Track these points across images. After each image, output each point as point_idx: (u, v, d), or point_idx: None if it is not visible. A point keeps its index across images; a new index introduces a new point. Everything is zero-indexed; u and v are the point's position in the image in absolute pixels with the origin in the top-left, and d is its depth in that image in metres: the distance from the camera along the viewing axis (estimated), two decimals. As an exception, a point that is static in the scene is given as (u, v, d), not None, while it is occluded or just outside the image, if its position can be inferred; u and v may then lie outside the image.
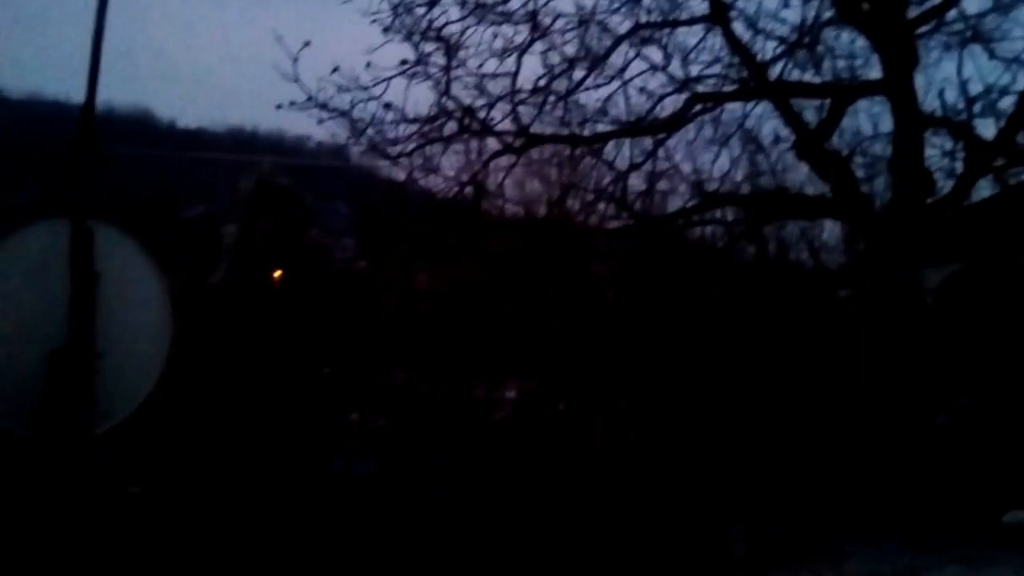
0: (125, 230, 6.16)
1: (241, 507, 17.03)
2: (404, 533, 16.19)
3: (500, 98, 12.33)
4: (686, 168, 14.76)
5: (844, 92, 14.38)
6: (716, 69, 13.93)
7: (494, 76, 12.31)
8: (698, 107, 13.74)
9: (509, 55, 12.35)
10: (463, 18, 12.10)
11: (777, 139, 14.64)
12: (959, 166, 15.24)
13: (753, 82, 13.74)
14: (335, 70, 11.42)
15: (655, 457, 15.15)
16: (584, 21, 12.84)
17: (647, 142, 13.79)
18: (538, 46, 12.55)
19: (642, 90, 13.25)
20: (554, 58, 12.64)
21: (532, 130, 12.80)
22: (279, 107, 11.92)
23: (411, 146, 12.40)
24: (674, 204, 15.21)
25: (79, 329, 5.80)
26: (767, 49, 13.73)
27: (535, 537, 15.09)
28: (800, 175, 15.60)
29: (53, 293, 5.85)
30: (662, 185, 14.79)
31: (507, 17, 12.27)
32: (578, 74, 12.86)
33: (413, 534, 16.10)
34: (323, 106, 11.78)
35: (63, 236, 5.85)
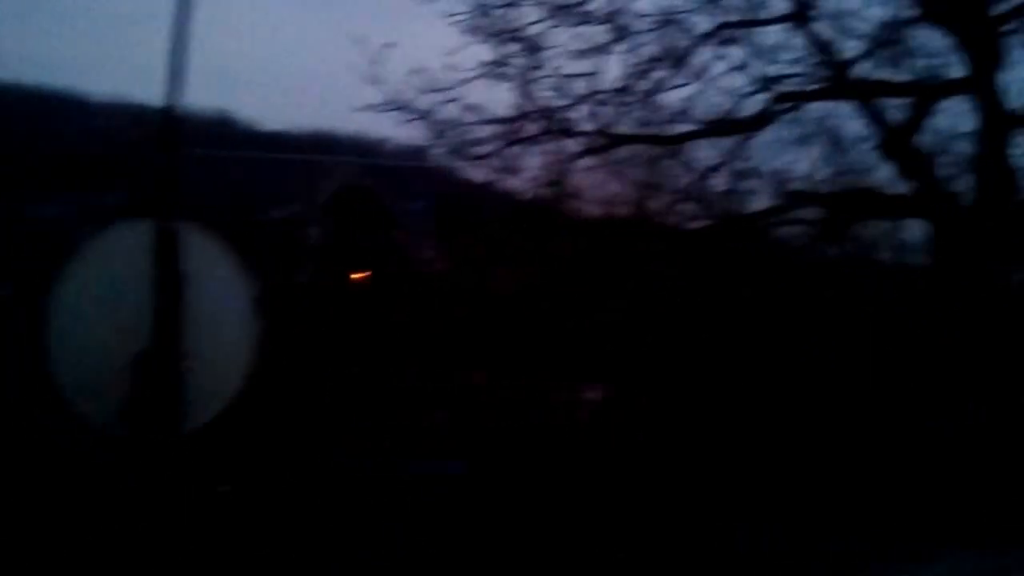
0: (210, 231, 6.21)
1: (326, 506, 17.17)
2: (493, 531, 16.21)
3: (581, 99, 12.25)
4: (768, 168, 14.61)
5: (927, 91, 14.15)
6: (798, 68, 13.75)
7: (574, 77, 12.22)
8: (780, 106, 13.57)
9: (589, 56, 12.26)
10: (543, 19, 12.05)
11: (860, 138, 14.43)
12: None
13: (835, 81, 13.57)
14: (417, 72, 11.41)
15: (749, 457, 15.05)
16: (665, 21, 12.74)
17: (728, 142, 13.65)
18: (619, 46, 12.44)
19: (724, 89, 13.10)
20: (635, 58, 12.53)
21: (613, 131, 12.70)
22: (361, 110, 11.96)
23: (492, 147, 12.35)
24: (756, 204, 15.06)
25: (166, 329, 5.86)
26: (850, 48, 13.54)
27: (624, 534, 15.05)
28: (883, 174, 15.38)
29: (140, 294, 5.91)
30: (744, 185, 14.64)
31: (587, 18, 12.21)
32: (659, 74, 12.73)
33: (502, 532, 16.11)
34: (404, 108, 11.78)
35: (149, 237, 5.91)
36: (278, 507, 17.30)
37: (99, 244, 6.07)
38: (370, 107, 12.01)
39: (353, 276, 24.50)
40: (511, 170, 13.33)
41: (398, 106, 11.96)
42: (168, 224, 5.87)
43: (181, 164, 5.94)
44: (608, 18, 12.29)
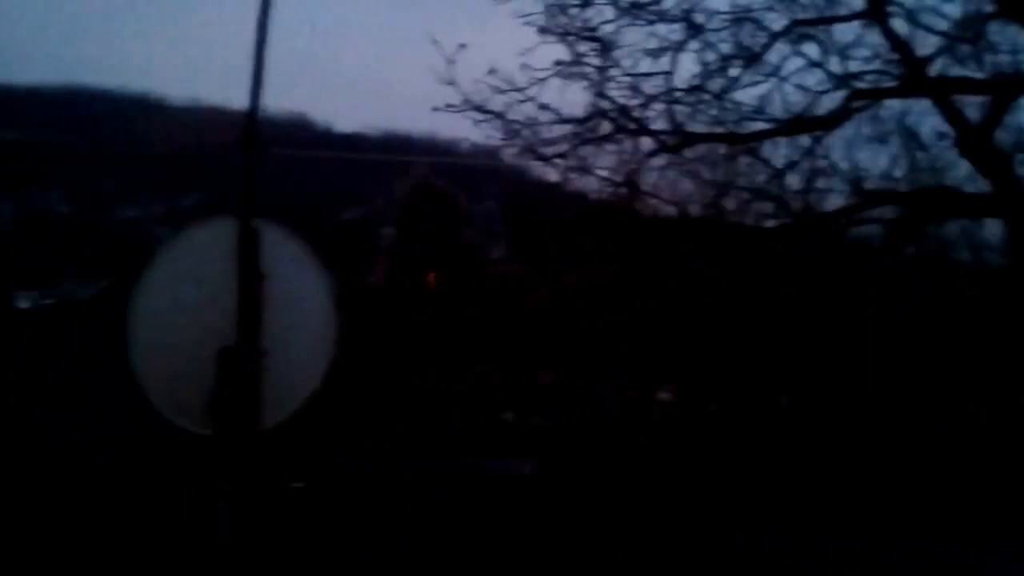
0: (290, 231, 6.31)
1: (399, 503, 17.30)
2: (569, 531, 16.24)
3: (654, 98, 12.21)
4: (843, 166, 14.48)
5: (1008, 88, 13.92)
6: (875, 65, 13.59)
7: (648, 75, 12.19)
8: (856, 104, 13.43)
9: (664, 54, 12.22)
10: (617, 18, 12.04)
11: (939, 136, 14.25)
12: None
13: (912, 78, 13.40)
14: (492, 72, 11.45)
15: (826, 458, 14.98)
16: (739, 18, 12.65)
17: (803, 140, 13.53)
18: (693, 44, 12.40)
19: (799, 87, 12.99)
20: (709, 56, 12.47)
21: (686, 129, 12.66)
22: (436, 110, 12.03)
23: (565, 147, 12.35)
24: (831, 203, 14.93)
25: (247, 327, 5.96)
26: (928, 44, 13.37)
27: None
28: (961, 172, 15.17)
29: (221, 292, 6.02)
30: (819, 184, 14.52)
31: (661, 16, 12.17)
32: (733, 72, 12.66)
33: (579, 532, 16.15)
34: (479, 108, 11.82)
35: (230, 236, 6.03)
36: (350, 504, 17.47)
37: (182, 243, 6.20)
38: (444, 107, 12.06)
39: (425, 275, 24.66)
40: (584, 170, 13.32)
41: (472, 106, 11.99)
42: (250, 223, 5.98)
43: (261, 164, 6.04)
44: (682, 16, 12.25)
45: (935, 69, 13.24)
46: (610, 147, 12.92)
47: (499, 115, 12.05)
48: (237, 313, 5.96)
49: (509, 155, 13.96)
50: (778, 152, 13.63)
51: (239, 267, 5.95)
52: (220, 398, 5.94)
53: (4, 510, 14.99)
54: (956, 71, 13.38)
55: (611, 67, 12.28)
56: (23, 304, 42.86)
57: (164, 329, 6.09)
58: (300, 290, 6.33)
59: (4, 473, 16.46)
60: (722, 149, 13.83)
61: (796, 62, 12.87)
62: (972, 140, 13.68)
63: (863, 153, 14.60)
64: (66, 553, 14.22)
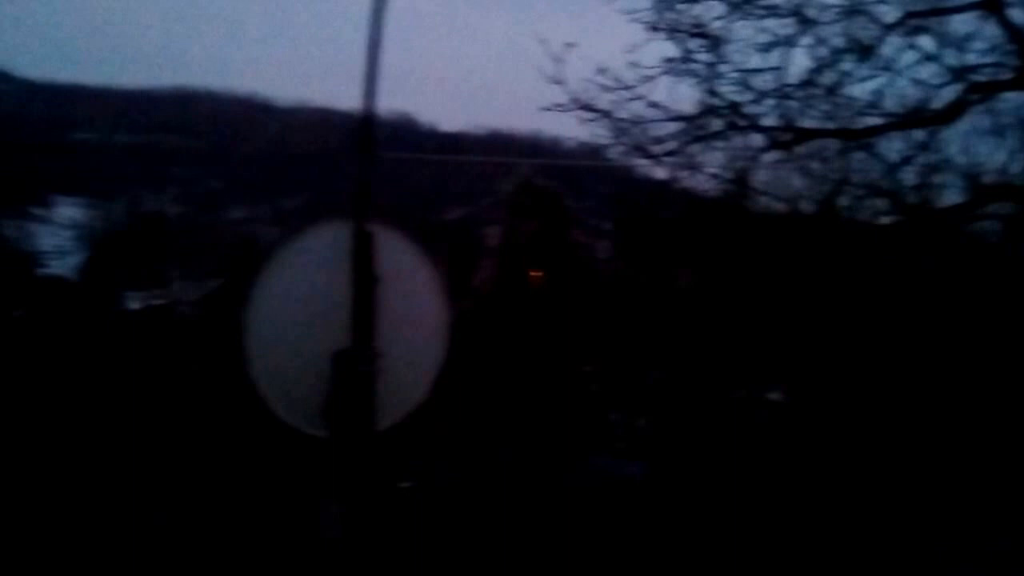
0: (403, 233, 6.31)
1: (510, 504, 17.32)
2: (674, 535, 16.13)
3: (766, 93, 12.00)
4: (960, 161, 14.15)
5: None
6: (992, 57, 13.23)
7: (759, 71, 11.98)
8: (972, 97, 13.08)
9: (774, 49, 12.00)
10: (727, 13, 11.85)
11: (1058, 130, 13.86)
12: None
13: (1032, 70, 13.03)
14: (601, 71, 11.35)
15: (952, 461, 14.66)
16: (851, 11, 12.38)
17: (918, 135, 13.21)
18: (804, 39, 12.16)
19: (914, 81, 12.68)
20: (821, 51, 12.23)
21: (798, 125, 12.43)
22: (544, 110, 11.96)
23: (675, 144, 12.20)
24: (948, 199, 14.60)
25: (362, 330, 5.97)
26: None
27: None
28: (1083, 167, 14.77)
29: (336, 294, 6.05)
30: (935, 179, 14.22)
31: (772, 10, 11.95)
32: (846, 66, 12.39)
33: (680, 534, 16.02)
34: (586, 107, 11.73)
35: (345, 239, 6.04)
36: (460, 503, 17.53)
37: (298, 246, 6.23)
38: (551, 107, 11.99)
39: (532, 275, 24.66)
40: (693, 167, 13.16)
41: (579, 105, 11.90)
42: (364, 226, 5.99)
43: (376, 166, 6.05)
44: (793, 10, 12.02)
45: (1055, 60, 12.86)
46: (720, 144, 12.73)
47: (607, 114, 11.93)
48: (352, 316, 5.97)
49: (616, 154, 13.85)
50: (892, 147, 13.34)
51: (354, 270, 5.97)
52: (335, 400, 5.96)
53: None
54: (1077, 62, 12.97)
55: (721, 63, 12.08)
56: (133, 305, 43.78)
57: (280, 331, 6.14)
58: (414, 292, 6.34)
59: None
60: (834, 145, 13.58)
61: (910, 55, 12.56)
62: (1094, 133, 13.30)
63: (980, 147, 14.28)
64: (180, 553, 14.48)
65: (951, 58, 12.53)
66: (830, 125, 12.74)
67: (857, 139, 12.96)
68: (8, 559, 13.94)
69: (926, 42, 12.49)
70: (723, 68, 12.08)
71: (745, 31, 12.06)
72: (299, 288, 6.17)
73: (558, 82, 11.75)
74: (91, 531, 14.82)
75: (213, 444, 18.59)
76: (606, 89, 11.73)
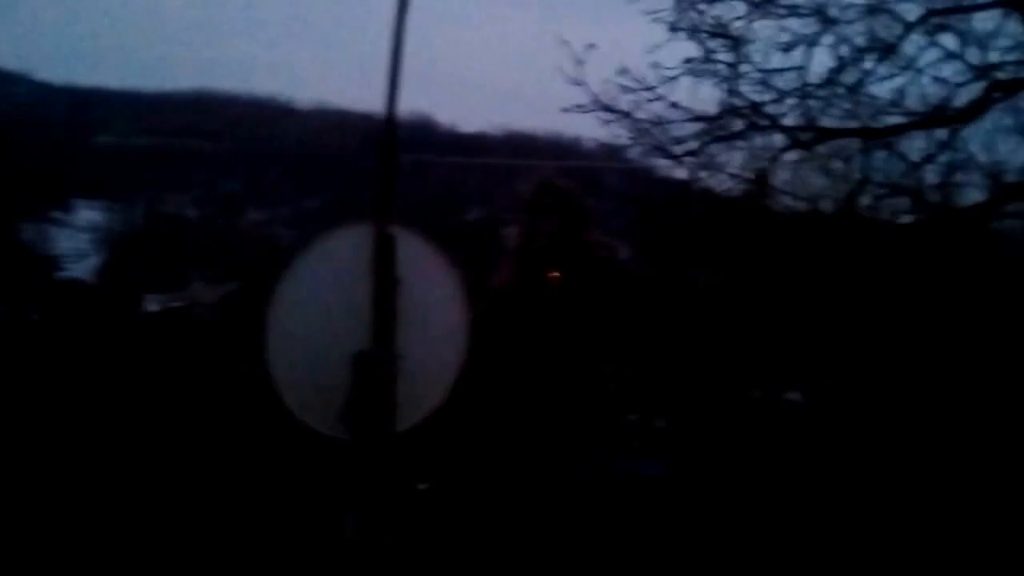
0: (424, 235, 6.31)
1: (524, 504, 17.28)
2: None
3: (787, 93, 11.96)
4: (983, 159, 14.06)
5: None
6: (1015, 55, 13.15)
7: (781, 71, 11.95)
8: (995, 95, 13.00)
9: (796, 48, 11.96)
10: (748, 13, 11.81)
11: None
12: None
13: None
14: (622, 72, 11.33)
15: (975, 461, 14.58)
16: (873, 10, 12.32)
17: (940, 133, 13.14)
18: (826, 38, 12.12)
19: (936, 79, 12.61)
20: (843, 49, 12.18)
21: (820, 125, 12.38)
22: (564, 111, 11.95)
23: (696, 145, 12.17)
24: (971, 197, 14.52)
25: (382, 332, 5.96)
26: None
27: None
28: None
29: (357, 296, 6.04)
30: (957, 178, 14.13)
31: (793, 10, 11.92)
32: (868, 65, 12.34)
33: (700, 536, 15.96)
34: (607, 108, 11.71)
35: (367, 241, 6.03)
36: (475, 505, 17.51)
37: (319, 248, 6.22)
38: (572, 108, 11.98)
39: (550, 276, 24.60)
40: (714, 167, 13.13)
41: (600, 106, 11.88)
42: (386, 229, 5.98)
43: (398, 169, 6.04)
44: (815, 9, 11.98)
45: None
46: (741, 144, 12.71)
47: (627, 114, 11.92)
48: (372, 318, 5.97)
49: (636, 154, 13.83)
50: (914, 146, 13.28)
51: (375, 272, 5.96)
52: (355, 402, 5.95)
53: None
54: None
55: (742, 63, 12.05)
56: (152, 307, 43.90)
57: (300, 333, 6.15)
58: (434, 294, 6.34)
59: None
60: (856, 144, 13.52)
61: (932, 53, 12.51)
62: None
63: (1002, 146, 14.19)
64: (195, 553, 14.49)
65: (973, 56, 12.47)
66: (851, 124, 12.70)
67: (879, 138, 12.91)
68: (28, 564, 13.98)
69: (948, 40, 12.43)
70: (744, 68, 12.06)
71: (766, 31, 12.05)
72: (320, 290, 6.17)
73: (579, 83, 11.75)
74: (104, 532, 14.84)
75: (231, 445, 18.60)
76: (627, 90, 11.73)
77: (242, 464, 17.86)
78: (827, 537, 14.97)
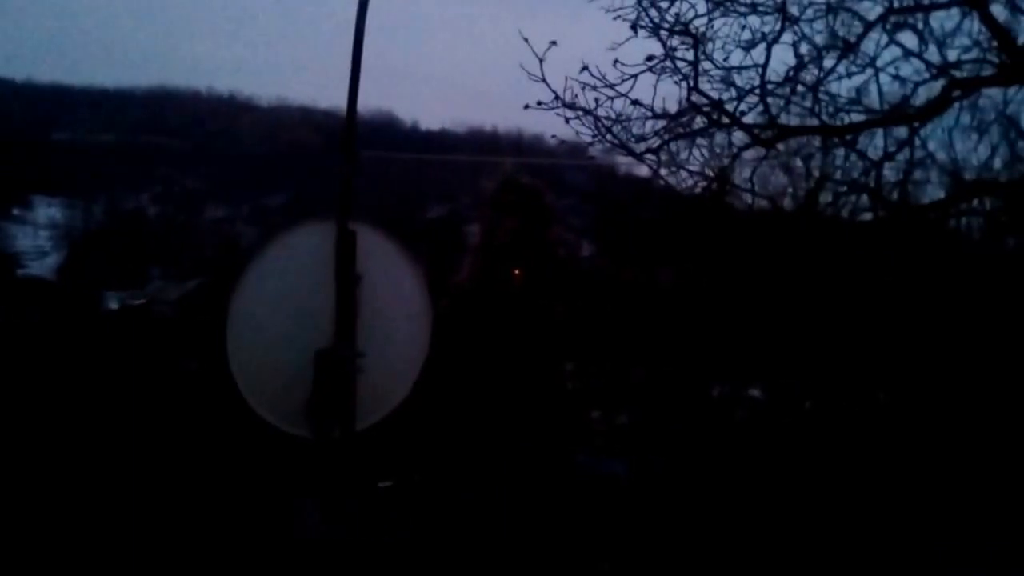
0: (385, 232, 6.29)
1: (488, 502, 17.28)
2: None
3: (748, 90, 11.99)
4: (942, 157, 14.16)
5: (1114, 73, 13.52)
6: (974, 54, 13.25)
7: (742, 68, 11.98)
8: (954, 93, 13.10)
9: (757, 46, 12.00)
10: (710, 11, 11.84)
11: (1042, 125, 13.88)
12: None
13: (1013, 66, 13.05)
14: (584, 69, 11.30)
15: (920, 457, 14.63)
16: (833, 8, 12.39)
17: (901, 131, 13.22)
18: (787, 36, 12.16)
19: (896, 77, 12.69)
20: (803, 47, 12.23)
21: (781, 122, 12.42)
22: (526, 108, 11.91)
23: (657, 142, 12.18)
24: (930, 195, 14.62)
25: (343, 329, 5.95)
26: (1027, 30, 13.01)
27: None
28: (1065, 162, 14.81)
29: (318, 294, 6.02)
30: (917, 176, 14.22)
31: (754, 7, 11.95)
32: (828, 63, 12.40)
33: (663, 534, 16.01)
34: (569, 106, 11.68)
35: (328, 238, 6.01)
36: (439, 503, 17.50)
37: (280, 245, 6.19)
38: (533, 105, 11.95)
39: (512, 273, 24.61)
40: (675, 164, 13.14)
41: (562, 103, 11.86)
42: (347, 226, 5.97)
43: (358, 167, 6.03)
44: (776, 7, 12.02)
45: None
46: (702, 142, 12.72)
47: (589, 112, 11.90)
48: (334, 315, 5.95)
49: (598, 152, 13.82)
50: (874, 144, 13.35)
51: (336, 270, 5.95)
52: (317, 399, 5.93)
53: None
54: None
55: (703, 61, 12.07)
56: (112, 304, 43.64)
57: (262, 330, 6.12)
58: (395, 291, 6.34)
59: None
60: (817, 142, 13.59)
61: (892, 52, 12.58)
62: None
63: (962, 144, 14.29)
64: (156, 553, 14.41)
65: (932, 55, 12.54)
66: (812, 122, 12.74)
67: (838, 136, 12.97)
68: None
69: (908, 39, 12.50)
70: (705, 65, 12.04)
71: (727, 28, 12.06)
72: (281, 287, 6.14)
73: (540, 80, 11.72)
74: (67, 530, 14.74)
75: (192, 443, 18.51)
76: (588, 87, 11.70)
77: (203, 462, 17.77)
78: (791, 535, 15.05)
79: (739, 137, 12.82)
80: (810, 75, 12.43)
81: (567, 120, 11.93)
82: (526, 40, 11.14)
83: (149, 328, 34.13)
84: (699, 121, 12.20)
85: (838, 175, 14.05)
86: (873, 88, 12.68)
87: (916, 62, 12.61)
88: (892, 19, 12.46)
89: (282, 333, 6.08)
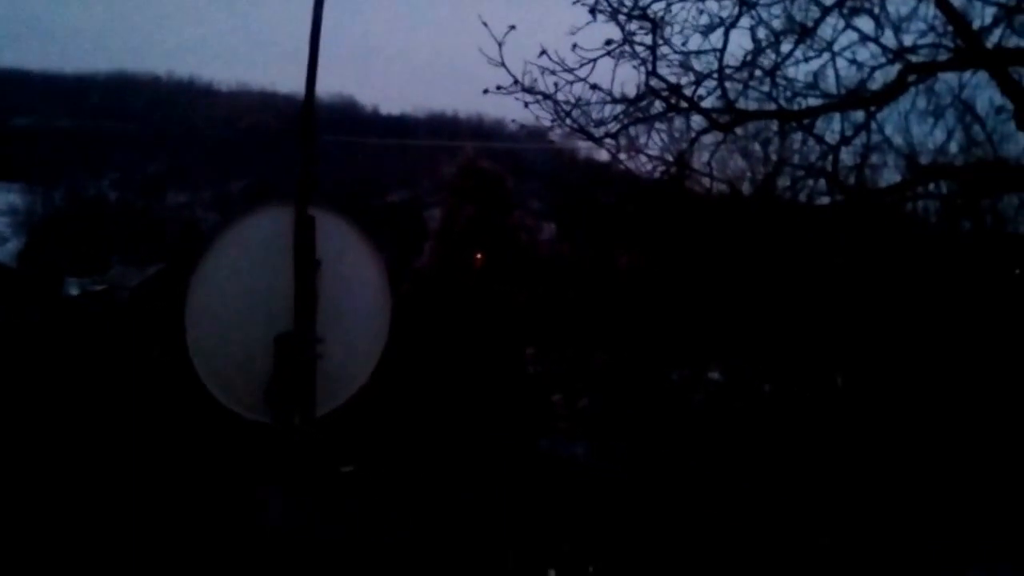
0: (345, 217, 6.29)
1: (450, 485, 17.32)
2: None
3: (706, 75, 12.05)
4: (899, 141, 14.28)
5: (1069, 58, 13.65)
6: (930, 38, 13.34)
7: (700, 53, 12.03)
8: (911, 78, 13.20)
9: (715, 31, 12.05)
10: (668, -5, 11.86)
11: (998, 109, 14.00)
12: None
13: (969, 50, 13.16)
14: (543, 53, 11.31)
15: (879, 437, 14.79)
16: (791, -8, 12.44)
17: (858, 115, 13.31)
18: (744, 20, 12.21)
19: (852, 62, 12.77)
20: (760, 32, 12.28)
21: (739, 106, 12.48)
22: (485, 92, 11.91)
23: (616, 127, 12.21)
24: (887, 179, 14.75)
25: (303, 314, 5.95)
26: (985, 15, 13.12)
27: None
28: (1019, 146, 14.97)
29: (277, 279, 6.02)
30: (873, 160, 14.34)
31: (712, -7, 12.00)
32: (785, 47, 12.46)
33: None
34: (529, 90, 11.69)
35: (287, 223, 6.01)
36: (401, 486, 17.53)
37: (238, 230, 6.17)
38: (493, 90, 11.95)
39: (473, 257, 24.66)
40: (634, 149, 13.16)
41: (521, 88, 11.87)
42: (306, 210, 5.97)
43: (317, 152, 6.02)
44: (734, -8, 12.06)
45: (992, 41, 12.99)
46: (661, 126, 12.76)
47: (548, 96, 11.91)
48: (293, 300, 5.95)
49: (558, 136, 13.83)
50: (831, 128, 13.43)
51: (295, 254, 5.94)
52: (277, 385, 5.94)
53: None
54: (1014, 42, 13.12)
55: (661, 45, 12.10)
56: (72, 290, 43.32)
57: (221, 316, 6.09)
58: (355, 276, 6.33)
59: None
60: (774, 126, 13.65)
61: (849, 36, 12.64)
62: (1030, 112, 13.45)
63: (918, 128, 14.42)
64: (122, 542, 14.35)
65: (889, 39, 12.62)
66: (769, 106, 12.79)
67: (796, 120, 13.03)
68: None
69: (864, 23, 12.57)
70: (663, 50, 12.08)
71: (685, 13, 12.09)
72: (240, 273, 6.12)
73: (500, 64, 11.72)
74: (28, 521, 14.67)
75: (152, 431, 18.42)
76: (547, 71, 11.71)
77: (166, 450, 17.71)
78: (752, 516, 15.17)
79: (697, 121, 12.88)
80: (768, 60, 12.48)
81: (526, 104, 11.95)
82: (485, 24, 11.15)
83: (110, 314, 33.93)
84: (658, 106, 12.24)
85: (795, 159, 14.14)
86: (830, 72, 12.75)
87: (872, 47, 12.68)
88: (849, 4, 12.53)
89: (241, 319, 6.06)
